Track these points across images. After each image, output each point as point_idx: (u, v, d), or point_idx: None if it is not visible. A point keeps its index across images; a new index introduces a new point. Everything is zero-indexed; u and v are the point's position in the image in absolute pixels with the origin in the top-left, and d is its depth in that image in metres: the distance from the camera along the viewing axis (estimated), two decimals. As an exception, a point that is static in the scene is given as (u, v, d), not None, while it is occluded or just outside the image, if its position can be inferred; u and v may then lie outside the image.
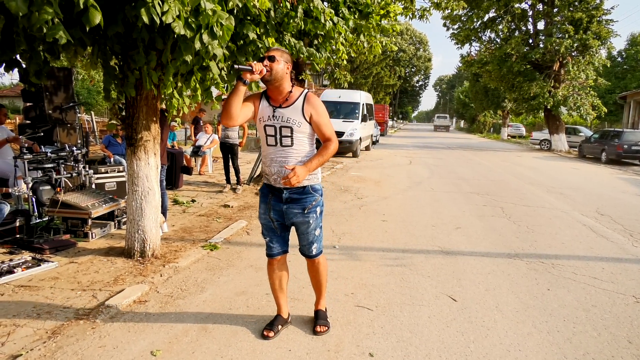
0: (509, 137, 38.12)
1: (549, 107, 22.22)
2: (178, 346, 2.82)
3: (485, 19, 24.14)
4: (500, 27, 24.10)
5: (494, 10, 23.44)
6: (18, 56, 3.55)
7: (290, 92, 2.74)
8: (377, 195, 8.49)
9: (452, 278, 4.17)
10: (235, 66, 2.50)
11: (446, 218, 6.68)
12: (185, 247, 4.78)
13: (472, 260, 4.71)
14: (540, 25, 23.82)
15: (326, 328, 3.06)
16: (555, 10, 22.37)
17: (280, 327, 3.05)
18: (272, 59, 2.63)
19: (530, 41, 23.51)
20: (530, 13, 23.75)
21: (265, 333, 2.97)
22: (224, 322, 3.15)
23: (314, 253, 2.96)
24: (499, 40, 24.71)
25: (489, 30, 24.69)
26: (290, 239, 3.02)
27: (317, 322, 3.09)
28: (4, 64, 3.54)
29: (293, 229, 2.96)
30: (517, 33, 23.98)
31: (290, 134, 2.70)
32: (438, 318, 3.33)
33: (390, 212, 7.03)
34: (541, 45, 22.05)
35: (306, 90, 2.80)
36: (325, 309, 3.23)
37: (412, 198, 8.34)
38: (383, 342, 2.96)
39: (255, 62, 2.57)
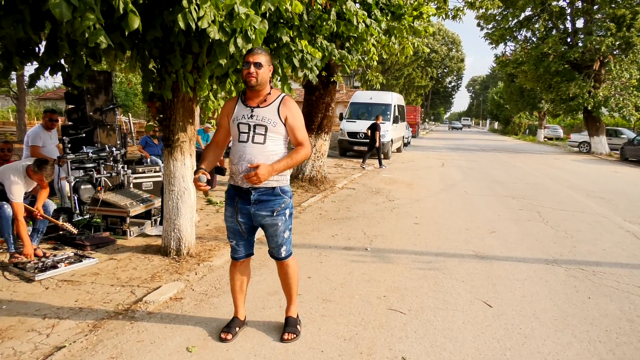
0: (546, 139, 37.02)
1: (588, 108, 21.45)
2: (213, 343, 2.87)
3: (521, 17, 23.54)
4: (536, 25, 23.45)
5: (530, 8, 22.82)
6: (62, 60, 3.71)
7: (269, 93, 2.75)
8: (409, 198, 8.40)
9: (487, 283, 4.09)
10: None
11: (480, 222, 6.55)
12: (219, 246, 4.86)
13: (508, 266, 4.60)
14: (580, 23, 23.08)
15: (294, 336, 2.94)
16: (596, 7, 21.59)
17: (237, 329, 2.99)
18: (259, 65, 2.62)
19: (569, 40, 22.77)
20: (568, 11, 23.02)
21: (223, 336, 2.91)
22: (257, 321, 3.19)
23: (283, 255, 2.88)
24: (535, 40, 24.03)
25: (524, 29, 24.07)
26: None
27: (285, 329, 2.98)
28: (49, 68, 3.70)
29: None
30: (554, 32, 23.26)
31: (264, 132, 2.66)
32: (473, 324, 3.27)
33: (423, 214, 6.95)
34: (580, 44, 21.34)
35: (283, 94, 2.81)
36: (297, 316, 3.10)
37: (445, 201, 8.21)
38: (416, 346, 2.92)
39: (197, 184, 2.69)
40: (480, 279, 4.20)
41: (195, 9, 3.06)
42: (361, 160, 13.71)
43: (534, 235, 5.86)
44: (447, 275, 4.27)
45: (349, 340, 2.97)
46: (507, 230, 6.10)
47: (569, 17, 23.24)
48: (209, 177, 2.70)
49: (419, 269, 4.40)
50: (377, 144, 13.24)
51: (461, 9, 10.58)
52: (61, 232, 4.88)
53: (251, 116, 2.68)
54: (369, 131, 13.35)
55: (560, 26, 23.69)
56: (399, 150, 19.36)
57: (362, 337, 3.02)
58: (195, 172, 2.67)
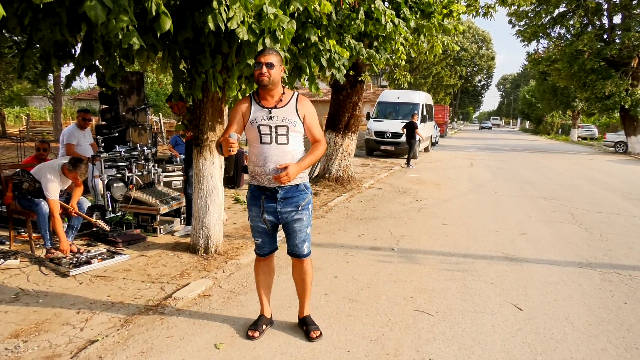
0: (580, 139, 35.90)
1: (625, 107, 20.66)
2: (240, 341, 2.91)
3: (555, 14, 22.86)
4: (571, 22, 22.72)
5: (564, 4, 22.15)
6: (97, 62, 3.82)
7: (283, 93, 2.80)
8: (437, 198, 8.29)
9: (517, 286, 3.99)
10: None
11: (510, 223, 6.41)
12: (246, 244, 4.90)
13: (539, 268, 4.48)
14: (617, 19, 22.25)
15: (320, 332, 2.98)
16: (635, 2, 20.77)
17: (264, 326, 3.03)
18: (270, 65, 2.66)
19: (605, 36, 21.98)
20: (605, 6, 22.21)
21: (250, 333, 2.95)
22: (284, 320, 3.20)
23: (306, 252, 2.91)
24: (569, 36, 23.31)
25: (558, 26, 23.37)
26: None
27: (310, 327, 3.00)
28: (85, 69, 3.82)
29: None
30: (590, 28, 22.49)
31: (286, 133, 2.72)
32: (502, 327, 3.20)
33: (451, 215, 6.85)
34: (617, 41, 20.56)
35: (297, 93, 2.87)
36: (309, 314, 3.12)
37: (473, 201, 8.07)
38: (444, 348, 2.88)
39: (228, 147, 2.61)
40: (510, 281, 4.10)
41: (224, 10, 3.10)
42: (405, 160, 13.74)
43: (567, 237, 5.69)
44: (475, 277, 4.19)
45: (375, 340, 2.95)
46: (539, 232, 5.94)
47: (605, 13, 22.42)
48: (239, 136, 2.74)
49: (447, 270, 4.34)
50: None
51: (492, 6, 10.38)
52: (94, 229, 5.03)
53: (270, 117, 2.73)
54: (405, 130, 13.49)
55: (597, 22, 22.89)
56: (426, 150, 19.12)
57: (388, 338, 3.00)
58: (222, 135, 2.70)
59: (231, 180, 8.31)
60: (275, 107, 2.75)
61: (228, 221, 5.91)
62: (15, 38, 5.64)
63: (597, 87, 20.91)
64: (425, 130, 17.57)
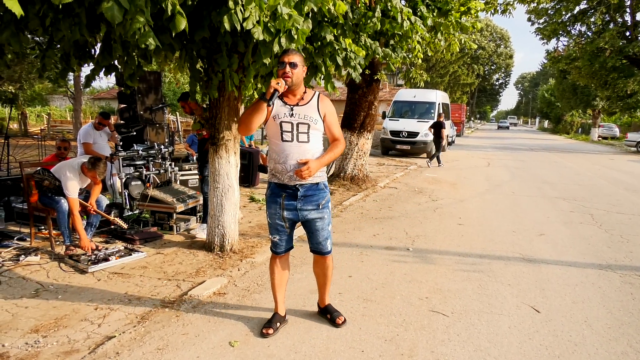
0: (600, 139, 35.20)
1: (649, 106, 20.22)
2: (254, 339, 2.92)
3: (575, 11, 22.44)
4: (592, 19, 22.29)
5: (585, 1, 21.73)
6: (116, 62, 3.88)
7: (305, 92, 2.85)
8: (453, 198, 8.21)
9: (535, 288, 3.93)
10: (265, 97, 2.65)
11: (528, 224, 6.31)
12: (261, 243, 4.93)
13: (558, 270, 4.41)
14: (640, 16, 21.73)
15: (344, 318, 3.13)
16: (659, -2, 20.29)
17: (278, 324, 3.05)
18: (294, 65, 2.71)
19: (628, 34, 21.49)
20: (628, 3, 21.72)
21: (264, 331, 2.97)
22: (298, 319, 3.21)
23: (329, 248, 2.99)
24: (590, 34, 22.86)
25: (579, 23, 22.93)
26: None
27: (333, 315, 3.14)
28: (104, 69, 3.88)
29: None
30: (611, 25, 22.02)
31: (307, 131, 2.77)
32: (519, 329, 3.15)
33: (467, 215, 6.78)
34: (641, 38, 20.11)
35: (318, 92, 2.92)
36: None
37: (490, 201, 7.97)
38: (459, 350, 2.85)
39: (277, 81, 2.63)
40: (528, 282, 4.04)
41: (240, 10, 3.11)
42: (428, 160, 13.75)
43: (587, 238, 5.59)
44: (492, 278, 4.14)
45: (389, 341, 2.94)
46: (557, 232, 5.84)
47: (628, 10, 21.93)
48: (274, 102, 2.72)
49: (463, 271, 4.29)
50: (444, 142, 13.49)
51: (511, 3, 10.27)
52: (112, 227, 5.10)
53: (292, 114, 2.77)
54: (432, 130, 13.85)
55: (619, 19, 22.41)
56: (442, 149, 18.95)
57: (403, 338, 2.98)
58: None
59: (247, 179, 8.36)
60: (297, 104, 2.80)
61: (243, 220, 5.95)
62: (37, 39, 5.75)
63: (618, 85, 20.53)
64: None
